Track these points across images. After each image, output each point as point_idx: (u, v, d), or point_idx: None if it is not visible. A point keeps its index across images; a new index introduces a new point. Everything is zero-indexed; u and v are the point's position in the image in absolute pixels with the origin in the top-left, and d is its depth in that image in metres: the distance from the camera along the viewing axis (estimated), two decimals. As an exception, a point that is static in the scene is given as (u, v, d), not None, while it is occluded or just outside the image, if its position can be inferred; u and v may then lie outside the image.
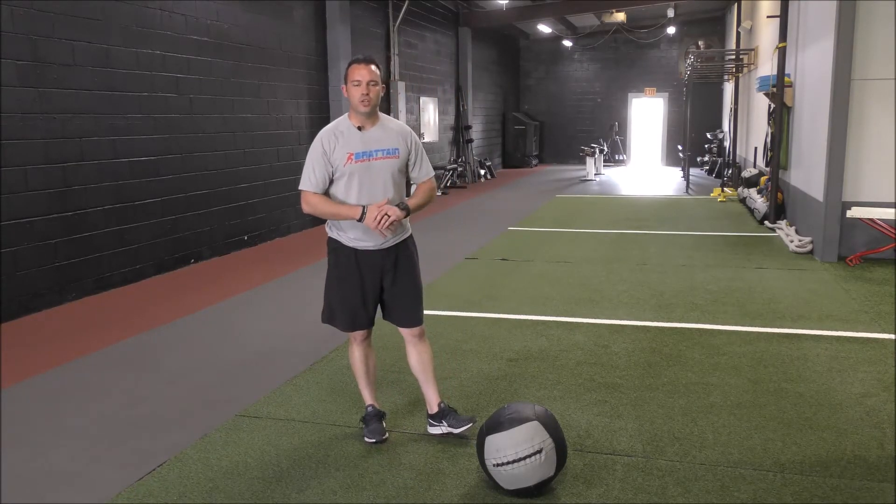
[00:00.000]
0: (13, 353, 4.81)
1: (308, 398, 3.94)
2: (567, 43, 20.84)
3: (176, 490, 3.00)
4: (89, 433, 3.59)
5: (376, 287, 3.31)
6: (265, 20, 8.82)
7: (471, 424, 3.36)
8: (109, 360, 4.69)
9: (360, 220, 3.12)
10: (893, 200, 6.84)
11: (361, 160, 3.16)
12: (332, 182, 3.20)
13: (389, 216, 3.10)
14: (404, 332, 3.43)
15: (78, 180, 6.16)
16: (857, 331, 4.95)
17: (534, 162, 20.73)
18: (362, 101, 3.12)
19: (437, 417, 3.43)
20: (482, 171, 17.03)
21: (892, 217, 6.61)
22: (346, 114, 3.26)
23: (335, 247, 3.31)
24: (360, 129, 3.19)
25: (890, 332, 4.89)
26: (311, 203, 3.19)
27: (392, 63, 12.45)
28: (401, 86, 12.42)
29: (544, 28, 19.42)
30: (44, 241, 5.86)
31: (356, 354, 3.44)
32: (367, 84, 3.11)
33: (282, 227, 9.33)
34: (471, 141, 16.71)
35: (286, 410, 3.78)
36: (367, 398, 3.49)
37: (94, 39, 6.28)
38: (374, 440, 3.37)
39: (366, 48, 11.48)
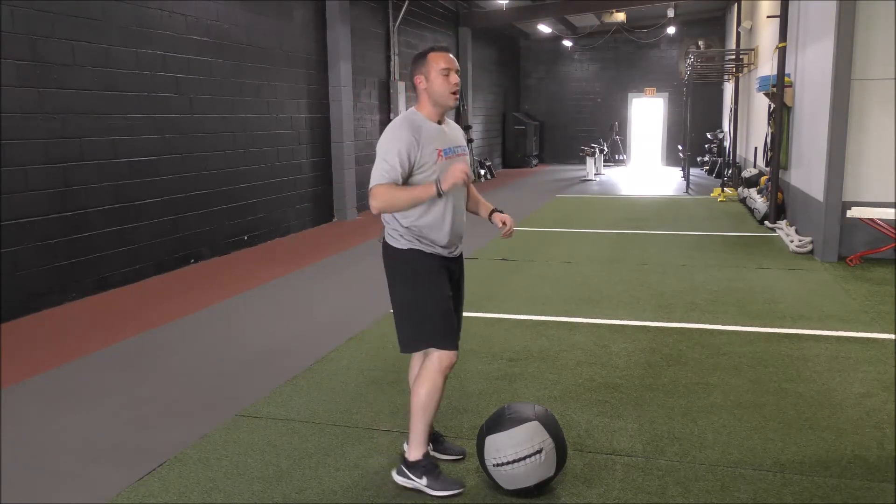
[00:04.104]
0: (13, 353, 4.81)
1: (308, 398, 3.94)
2: (567, 43, 20.83)
3: (176, 490, 3.00)
4: (89, 433, 3.59)
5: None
6: (265, 20, 8.82)
7: (461, 457, 3.17)
8: (109, 360, 4.69)
9: (439, 193, 2.74)
10: (893, 200, 6.84)
11: (449, 157, 2.89)
12: (407, 179, 2.84)
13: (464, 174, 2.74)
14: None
15: (78, 180, 6.16)
16: (857, 331, 4.95)
17: (534, 162, 20.73)
18: (454, 94, 2.84)
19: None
20: (482, 171, 17.04)
21: (892, 217, 6.61)
22: (412, 108, 2.94)
23: (413, 257, 2.90)
24: (438, 123, 2.91)
25: (890, 332, 4.89)
26: (382, 196, 2.75)
27: (392, 63, 12.44)
28: (401, 86, 12.41)
29: (544, 28, 19.41)
30: (44, 241, 5.85)
31: (441, 385, 2.91)
32: (457, 73, 2.84)
33: (282, 227, 9.33)
34: (471, 141, 16.71)
35: (286, 410, 3.78)
36: (426, 444, 2.99)
37: (94, 39, 6.28)
38: (462, 489, 2.92)
39: (366, 48, 11.48)
